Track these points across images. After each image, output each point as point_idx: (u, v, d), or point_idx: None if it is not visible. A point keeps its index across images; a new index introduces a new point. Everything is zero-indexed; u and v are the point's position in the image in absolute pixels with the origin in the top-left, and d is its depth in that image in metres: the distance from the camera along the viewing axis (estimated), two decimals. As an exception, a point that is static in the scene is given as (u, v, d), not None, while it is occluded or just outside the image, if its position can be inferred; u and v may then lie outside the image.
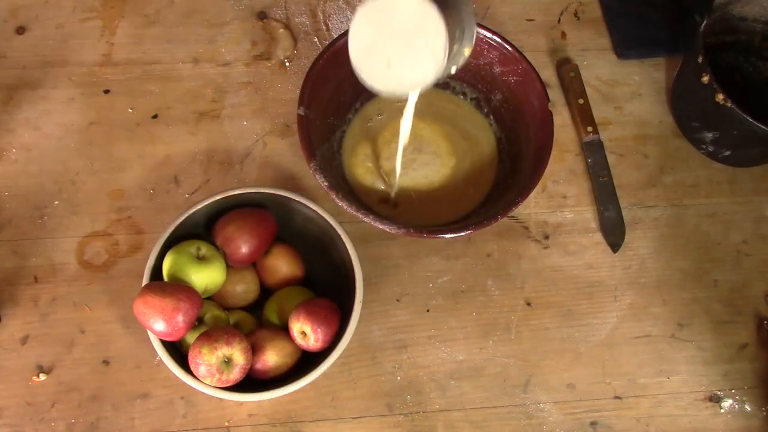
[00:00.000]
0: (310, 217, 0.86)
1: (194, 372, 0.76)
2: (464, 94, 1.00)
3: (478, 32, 0.92)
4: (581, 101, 1.01)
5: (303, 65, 1.02)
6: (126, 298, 0.88)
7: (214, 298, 0.84)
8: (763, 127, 0.87)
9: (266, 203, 0.87)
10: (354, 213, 0.84)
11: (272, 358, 0.80)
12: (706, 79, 0.90)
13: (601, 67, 1.06)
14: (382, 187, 0.95)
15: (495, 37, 0.92)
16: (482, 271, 0.93)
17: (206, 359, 0.75)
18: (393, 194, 0.94)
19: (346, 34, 0.89)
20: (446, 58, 0.63)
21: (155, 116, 0.98)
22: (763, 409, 0.89)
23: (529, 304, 0.92)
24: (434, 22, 0.62)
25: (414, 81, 0.65)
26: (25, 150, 0.94)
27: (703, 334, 0.92)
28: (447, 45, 0.63)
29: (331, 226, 0.84)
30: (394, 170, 0.93)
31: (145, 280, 0.80)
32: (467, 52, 0.71)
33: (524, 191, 0.86)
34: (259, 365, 0.79)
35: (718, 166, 1.01)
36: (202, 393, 0.77)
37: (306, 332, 0.79)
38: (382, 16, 0.63)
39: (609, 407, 0.88)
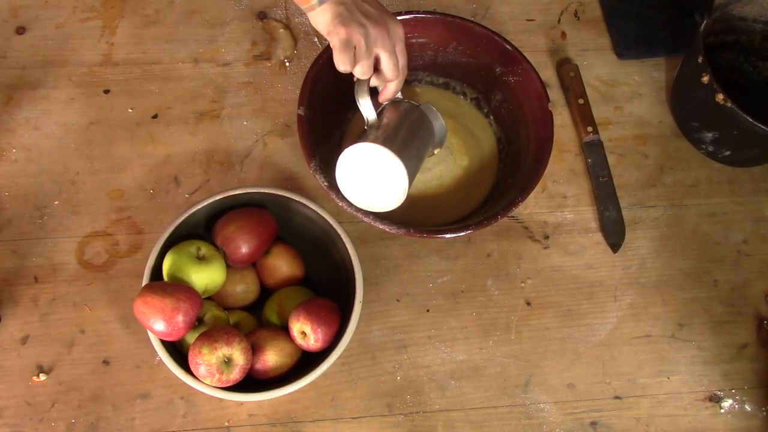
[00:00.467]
0: (310, 217, 0.86)
1: (194, 372, 0.76)
2: (464, 94, 1.00)
3: (478, 32, 0.93)
4: (581, 101, 1.01)
5: (303, 65, 1.02)
6: (126, 298, 0.88)
7: (214, 298, 0.84)
8: (763, 127, 0.87)
9: (266, 203, 0.87)
10: (354, 213, 0.84)
11: (272, 358, 0.80)
12: (706, 79, 0.90)
13: (601, 67, 1.06)
14: None
15: (495, 37, 0.92)
16: (482, 271, 0.93)
17: (206, 359, 0.75)
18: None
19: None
20: (406, 195, 0.81)
21: (155, 116, 0.98)
22: (763, 409, 0.89)
23: (529, 304, 0.92)
24: (398, 173, 0.79)
25: (380, 206, 0.82)
26: (25, 150, 0.94)
27: (703, 334, 0.92)
28: (407, 188, 0.80)
29: (331, 226, 0.84)
30: None
31: (145, 280, 0.80)
32: (436, 151, 0.92)
33: (524, 191, 0.86)
34: (259, 365, 0.79)
35: (718, 166, 1.01)
36: (202, 393, 0.77)
37: (306, 332, 0.79)
38: (360, 159, 0.80)
39: (609, 407, 0.88)
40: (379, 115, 0.84)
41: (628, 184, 0.99)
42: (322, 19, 0.76)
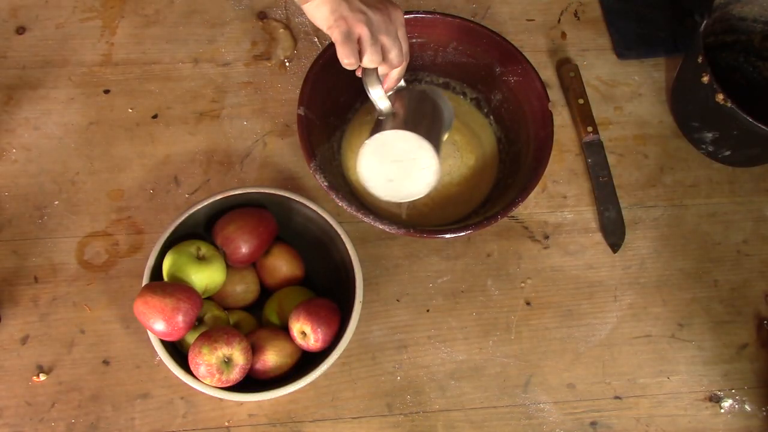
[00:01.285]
0: (310, 217, 0.86)
1: (194, 372, 0.76)
2: (464, 94, 1.00)
3: (478, 32, 0.93)
4: (581, 101, 1.01)
5: (303, 65, 1.02)
6: (126, 298, 0.88)
7: (214, 298, 0.84)
8: (763, 127, 0.87)
9: (266, 203, 0.87)
10: (354, 213, 0.84)
11: (272, 358, 0.80)
12: (706, 79, 0.90)
13: (601, 67, 1.06)
14: None
15: (495, 37, 0.92)
16: (482, 271, 0.93)
17: (206, 359, 0.75)
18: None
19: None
20: (438, 179, 0.78)
21: (155, 116, 0.98)
22: (763, 409, 0.89)
23: (529, 304, 0.92)
24: (428, 155, 0.77)
25: (410, 194, 0.81)
26: (25, 150, 0.94)
27: (703, 334, 0.92)
28: (439, 170, 0.78)
29: (331, 226, 0.84)
30: None
31: (145, 280, 0.80)
32: (445, 136, 0.88)
33: (524, 191, 0.86)
34: (259, 365, 0.79)
35: (718, 166, 1.01)
36: (202, 393, 0.77)
37: (306, 332, 0.79)
38: (384, 147, 0.78)
39: (609, 407, 0.88)
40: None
41: (628, 184, 0.99)
42: (320, 14, 0.74)
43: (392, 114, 0.80)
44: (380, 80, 0.79)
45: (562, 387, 0.88)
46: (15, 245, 0.90)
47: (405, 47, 0.79)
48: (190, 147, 0.96)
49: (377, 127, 0.80)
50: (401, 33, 0.78)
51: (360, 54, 0.75)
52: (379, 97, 0.79)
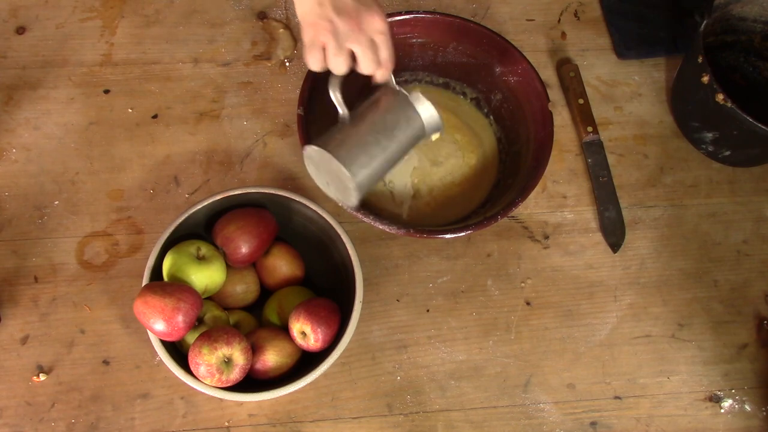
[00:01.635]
0: (310, 217, 0.86)
1: (194, 372, 0.76)
2: (464, 94, 1.00)
3: (478, 32, 0.93)
4: (581, 101, 1.01)
5: (303, 65, 1.02)
6: (126, 298, 0.88)
7: (214, 298, 0.84)
8: (763, 127, 0.87)
9: (266, 203, 0.87)
10: (354, 213, 0.84)
11: (272, 358, 0.80)
12: (706, 79, 0.90)
13: (601, 67, 1.06)
14: (384, 186, 0.95)
15: (495, 37, 0.92)
16: (482, 271, 0.93)
17: (206, 359, 0.75)
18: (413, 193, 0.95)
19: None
20: (360, 194, 0.80)
21: (155, 116, 0.98)
22: (763, 409, 0.89)
23: (529, 304, 0.92)
24: (347, 178, 0.78)
25: (344, 201, 0.83)
26: (25, 150, 0.94)
27: (703, 334, 0.92)
28: (356, 189, 0.79)
29: (331, 226, 0.84)
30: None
31: (145, 280, 0.80)
32: (435, 136, 0.86)
33: (524, 191, 0.86)
34: (259, 365, 0.79)
35: (718, 166, 1.01)
36: (202, 393, 0.77)
37: (306, 332, 0.79)
38: (318, 156, 0.80)
39: (609, 407, 0.88)
40: (366, 99, 0.82)
41: (628, 184, 0.99)
42: (300, 10, 0.76)
43: (347, 119, 0.81)
44: (341, 87, 0.79)
45: (562, 387, 0.88)
46: (15, 245, 0.90)
47: (384, 54, 0.78)
48: (190, 147, 0.96)
49: (332, 129, 0.81)
50: (379, 39, 0.77)
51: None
52: (338, 102, 0.80)
